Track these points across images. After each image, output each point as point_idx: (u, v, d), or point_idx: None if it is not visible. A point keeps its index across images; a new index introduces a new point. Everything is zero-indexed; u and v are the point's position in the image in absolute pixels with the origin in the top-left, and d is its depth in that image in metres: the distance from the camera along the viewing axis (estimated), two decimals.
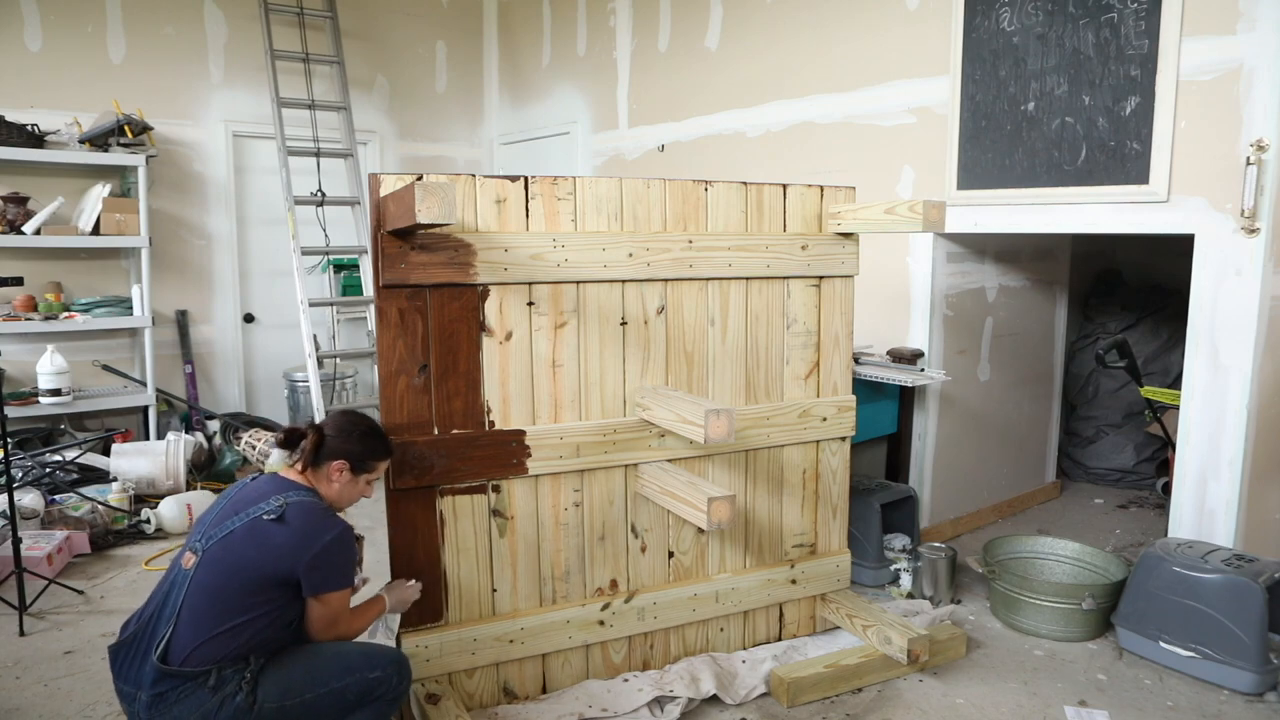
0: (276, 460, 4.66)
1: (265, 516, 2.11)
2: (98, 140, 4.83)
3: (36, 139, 4.75)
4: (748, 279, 2.88)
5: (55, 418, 4.97)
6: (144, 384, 5.08)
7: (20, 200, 4.71)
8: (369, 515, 4.49)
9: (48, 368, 4.67)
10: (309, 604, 2.15)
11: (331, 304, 5.71)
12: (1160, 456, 4.97)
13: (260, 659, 2.07)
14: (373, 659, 2.19)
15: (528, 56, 6.17)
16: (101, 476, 4.53)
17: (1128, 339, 4.53)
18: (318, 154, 5.36)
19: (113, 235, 4.86)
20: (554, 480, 2.67)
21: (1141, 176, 3.17)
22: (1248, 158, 2.91)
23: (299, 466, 2.27)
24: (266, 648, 2.09)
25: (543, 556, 2.69)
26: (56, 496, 4.20)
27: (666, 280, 2.76)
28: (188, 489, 4.57)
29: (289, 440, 2.27)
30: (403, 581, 2.49)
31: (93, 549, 3.90)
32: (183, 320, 5.43)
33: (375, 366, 3.68)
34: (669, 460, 2.79)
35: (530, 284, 2.57)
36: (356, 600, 2.31)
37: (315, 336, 5.06)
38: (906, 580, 3.51)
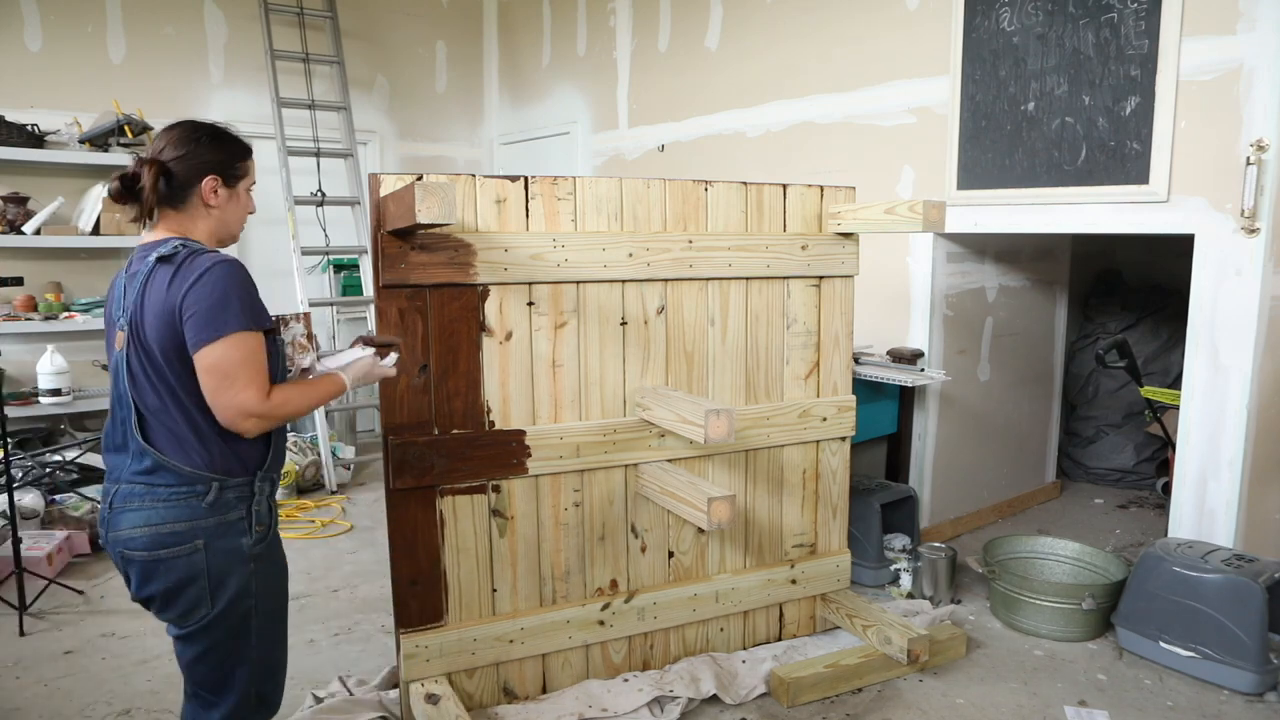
0: None
1: (159, 256, 1.71)
2: (98, 140, 4.83)
3: (36, 139, 4.75)
4: (748, 279, 2.88)
5: (55, 418, 4.97)
6: None
7: (20, 200, 4.71)
8: (369, 515, 4.50)
9: (48, 368, 4.67)
10: (198, 373, 1.69)
11: (331, 304, 5.71)
12: (1160, 456, 4.97)
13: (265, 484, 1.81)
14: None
15: (528, 56, 6.17)
16: (101, 476, 4.52)
17: (1128, 339, 4.53)
18: (318, 154, 5.36)
19: (113, 235, 4.86)
20: (554, 480, 2.67)
21: (1141, 176, 3.17)
22: (1248, 158, 2.91)
23: (158, 217, 1.79)
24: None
25: (543, 556, 2.69)
26: (56, 496, 4.20)
27: (666, 280, 2.76)
28: None
29: (125, 189, 1.77)
30: (375, 358, 2.05)
31: (93, 549, 3.90)
32: None
33: None
34: (669, 460, 2.79)
35: (530, 284, 2.57)
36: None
37: (315, 336, 5.06)
38: (906, 580, 3.51)
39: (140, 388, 1.72)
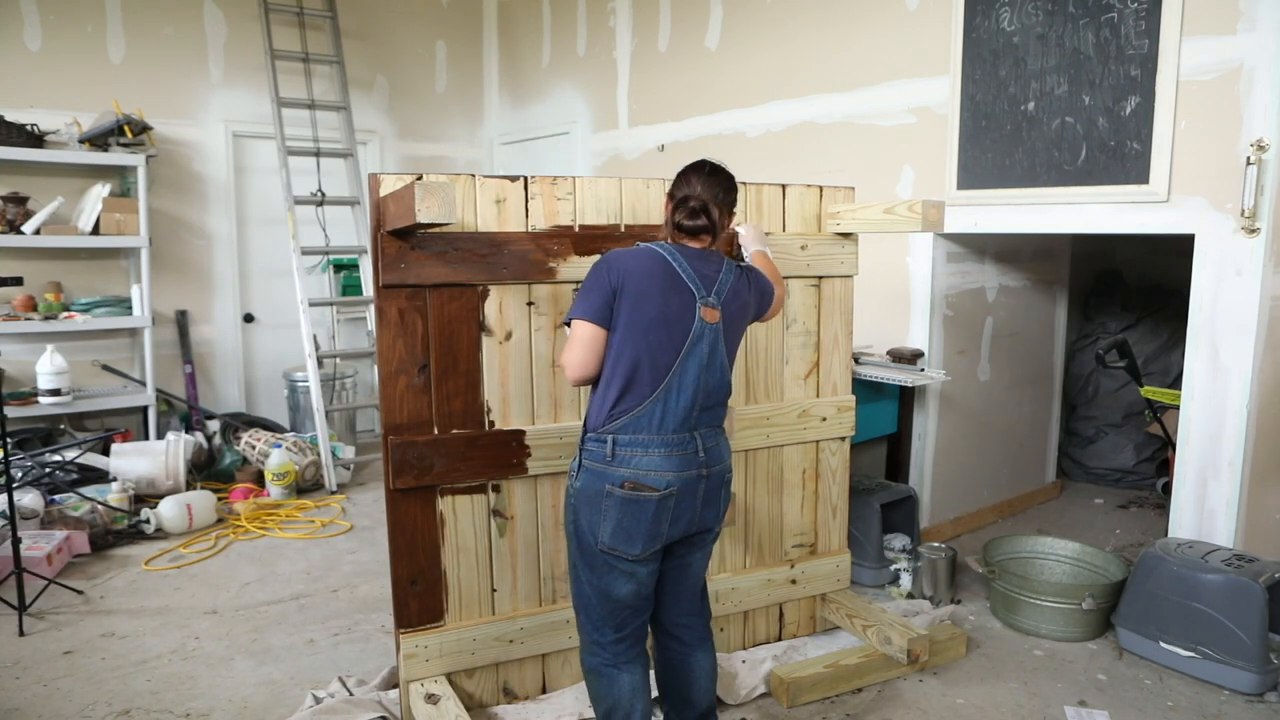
0: (276, 461, 4.67)
1: (740, 266, 2.31)
2: (98, 140, 4.83)
3: (36, 139, 4.75)
4: None
5: (55, 418, 4.97)
6: (144, 384, 5.08)
7: (20, 200, 4.71)
8: (369, 515, 4.50)
9: (47, 368, 4.67)
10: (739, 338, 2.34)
11: (331, 304, 5.71)
12: (1160, 456, 4.97)
13: None
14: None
15: (528, 56, 6.17)
16: (101, 476, 4.53)
17: (1128, 339, 4.53)
18: (318, 154, 5.36)
19: (113, 235, 4.86)
20: (554, 480, 2.67)
21: (1141, 176, 3.17)
22: (1248, 158, 2.91)
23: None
24: None
25: (543, 556, 2.69)
26: (56, 496, 4.20)
27: None
28: (188, 489, 4.57)
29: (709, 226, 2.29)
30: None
31: (92, 549, 3.90)
32: (183, 320, 5.43)
33: (375, 366, 3.69)
34: None
35: (530, 284, 2.57)
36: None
37: (315, 336, 5.06)
38: (906, 580, 3.51)
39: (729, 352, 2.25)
